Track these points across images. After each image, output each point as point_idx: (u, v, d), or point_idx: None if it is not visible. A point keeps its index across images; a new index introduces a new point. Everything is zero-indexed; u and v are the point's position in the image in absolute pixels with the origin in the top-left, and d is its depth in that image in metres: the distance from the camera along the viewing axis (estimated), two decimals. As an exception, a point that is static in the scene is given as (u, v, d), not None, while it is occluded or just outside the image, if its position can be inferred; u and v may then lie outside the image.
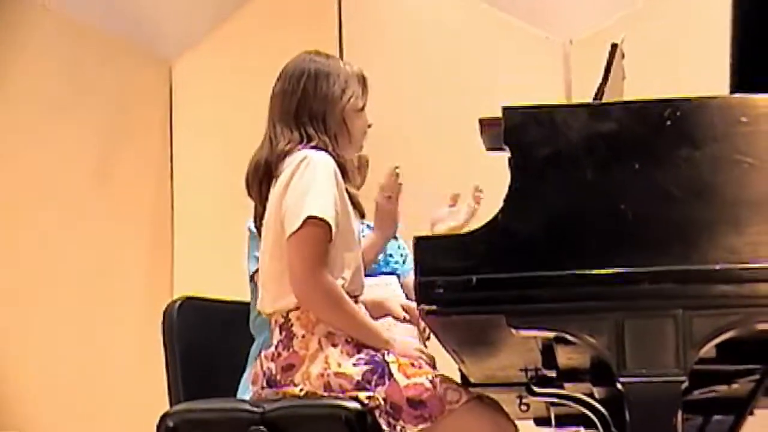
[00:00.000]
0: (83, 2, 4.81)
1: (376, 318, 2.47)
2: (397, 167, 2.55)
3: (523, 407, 2.77)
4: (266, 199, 2.36)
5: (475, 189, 2.71)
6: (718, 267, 1.78)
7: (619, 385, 1.82)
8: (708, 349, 1.85)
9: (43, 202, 4.10)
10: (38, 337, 3.96)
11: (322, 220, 2.18)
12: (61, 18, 4.35)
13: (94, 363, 4.11)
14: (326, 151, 2.30)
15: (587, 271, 1.81)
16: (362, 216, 2.42)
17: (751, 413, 2.34)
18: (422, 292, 1.87)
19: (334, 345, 2.23)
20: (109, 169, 4.33)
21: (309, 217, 2.18)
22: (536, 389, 2.36)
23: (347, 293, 2.26)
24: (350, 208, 2.32)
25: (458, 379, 2.42)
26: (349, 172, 2.39)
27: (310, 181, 2.23)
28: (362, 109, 2.45)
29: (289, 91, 2.38)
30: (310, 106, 2.36)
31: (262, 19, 4.69)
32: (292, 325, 2.26)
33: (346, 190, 2.32)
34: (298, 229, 2.18)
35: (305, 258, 2.20)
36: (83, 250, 4.17)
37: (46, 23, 4.21)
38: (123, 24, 4.73)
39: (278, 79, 2.43)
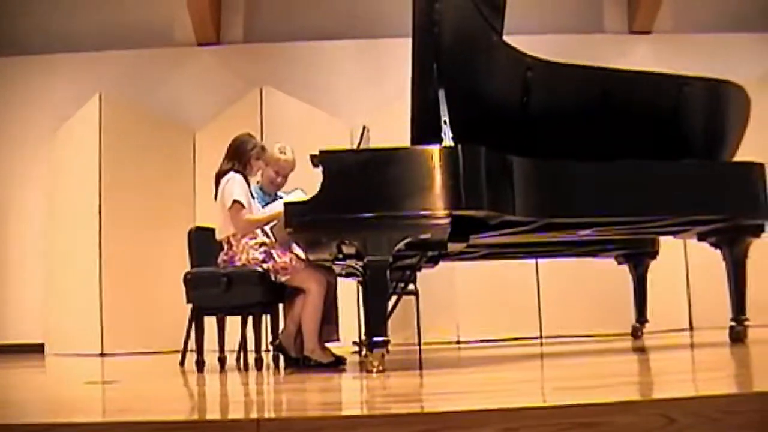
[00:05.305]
0: (136, 90, 7.86)
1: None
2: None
3: (336, 269, 4.74)
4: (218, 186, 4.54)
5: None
6: (403, 213, 3.72)
7: (365, 260, 3.74)
8: (401, 246, 3.78)
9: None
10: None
11: (238, 201, 4.43)
12: (120, 103, 7.67)
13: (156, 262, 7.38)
14: (241, 173, 4.54)
15: (356, 215, 3.72)
16: (253, 198, 4.62)
17: (420, 269, 4.48)
18: (287, 223, 3.83)
19: (251, 247, 4.48)
20: (156, 189, 7.46)
21: (235, 201, 4.43)
22: (336, 263, 4.46)
23: None
24: (250, 197, 4.55)
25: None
26: (250, 181, 4.57)
27: (233, 185, 4.45)
28: (258, 158, 4.65)
29: (234, 147, 4.60)
30: (240, 155, 4.58)
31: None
32: (230, 241, 4.53)
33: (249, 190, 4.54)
34: (232, 204, 4.41)
35: (235, 214, 4.44)
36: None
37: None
38: (162, 104, 8.17)
39: (232, 141, 4.63)
